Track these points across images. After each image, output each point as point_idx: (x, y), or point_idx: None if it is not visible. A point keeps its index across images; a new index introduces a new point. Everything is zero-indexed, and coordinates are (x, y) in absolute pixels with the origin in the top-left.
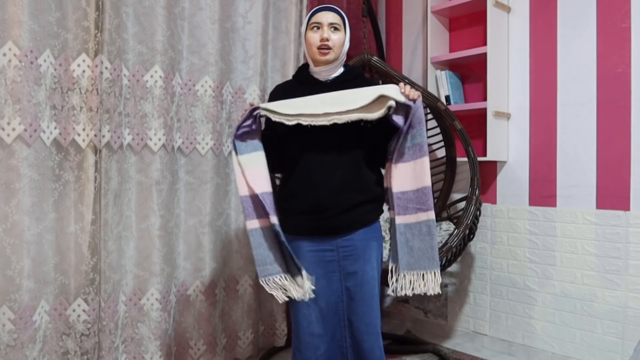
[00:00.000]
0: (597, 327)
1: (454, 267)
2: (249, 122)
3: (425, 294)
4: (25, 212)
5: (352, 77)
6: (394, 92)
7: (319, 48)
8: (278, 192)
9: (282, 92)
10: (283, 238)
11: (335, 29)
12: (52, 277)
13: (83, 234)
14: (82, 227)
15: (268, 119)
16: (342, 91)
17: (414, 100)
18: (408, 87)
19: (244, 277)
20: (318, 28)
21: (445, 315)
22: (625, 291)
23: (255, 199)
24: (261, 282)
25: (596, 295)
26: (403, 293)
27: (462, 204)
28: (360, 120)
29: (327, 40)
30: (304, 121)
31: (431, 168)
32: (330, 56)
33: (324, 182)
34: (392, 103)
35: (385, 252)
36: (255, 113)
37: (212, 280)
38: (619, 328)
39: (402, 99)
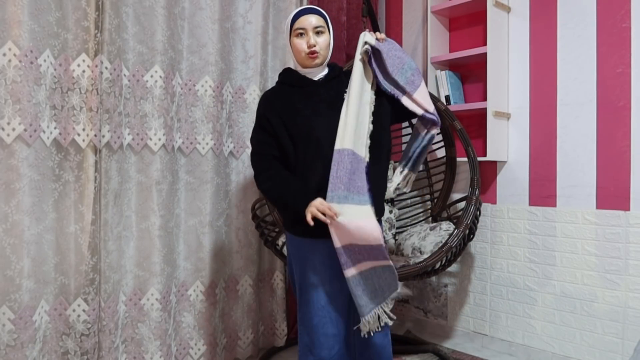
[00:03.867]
0: (597, 327)
1: (454, 267)
2: None
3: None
4: (25, 212)
5: (337, 74)
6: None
7: (308, 54)
8: None
9: (276, 99)
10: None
11: (320, 32)
12: (52, 277)
13: (83, 234)
14: (82, 227)
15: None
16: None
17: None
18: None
19: (244, 277)
20: (303, 34)
21: (445, 315)
22: (625, 291)
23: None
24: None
25: (596, 295)
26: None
27: (462, 204)
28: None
29: (315, 45)
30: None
31: (431, 168)
32: (319, 60)
33: None
34: (367, 47)
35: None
36: None
37: (212, 280)
38: (619, 328)
39: (371, 40)
